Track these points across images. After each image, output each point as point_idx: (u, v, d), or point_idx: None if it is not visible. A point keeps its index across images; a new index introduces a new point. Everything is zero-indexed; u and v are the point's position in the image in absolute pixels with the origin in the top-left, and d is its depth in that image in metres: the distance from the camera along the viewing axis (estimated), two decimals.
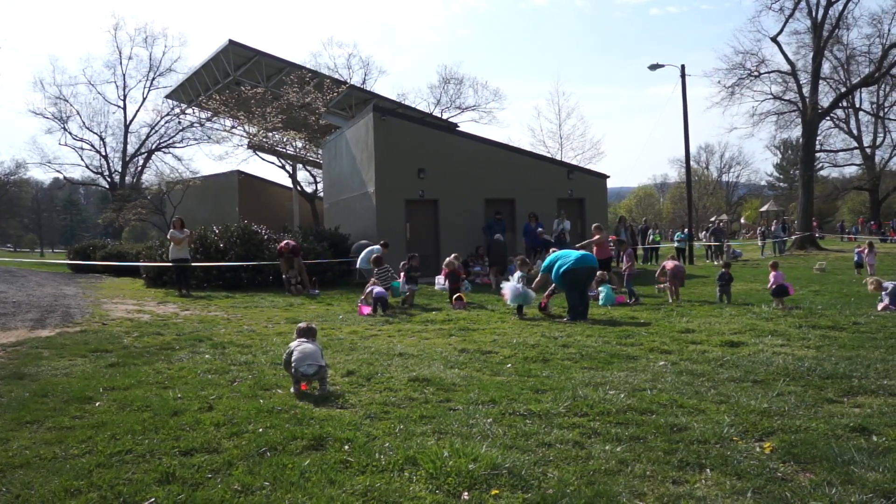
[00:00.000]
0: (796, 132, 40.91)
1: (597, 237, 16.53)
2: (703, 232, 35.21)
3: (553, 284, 11.93)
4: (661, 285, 14.78)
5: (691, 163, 32.72)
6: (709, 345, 8.26)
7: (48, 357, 7.88)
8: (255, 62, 33.04)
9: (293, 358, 5.91)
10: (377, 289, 12.66)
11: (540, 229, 19.76)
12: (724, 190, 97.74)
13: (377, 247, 16.27)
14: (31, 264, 42.83)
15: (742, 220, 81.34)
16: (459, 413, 5.23)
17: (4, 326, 10.82)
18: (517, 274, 12.01)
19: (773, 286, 12.94)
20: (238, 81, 33.15)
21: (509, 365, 7.19)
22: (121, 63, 59.47)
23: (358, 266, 15.98)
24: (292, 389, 5.98)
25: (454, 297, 13.39)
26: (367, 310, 12.60)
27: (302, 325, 6.40)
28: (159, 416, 5.15)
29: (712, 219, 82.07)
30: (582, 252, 12.30)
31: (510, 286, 11.80)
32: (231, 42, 31.92)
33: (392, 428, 4.83)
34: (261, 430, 4.78)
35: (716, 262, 29.10)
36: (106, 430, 4.79)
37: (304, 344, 6.02)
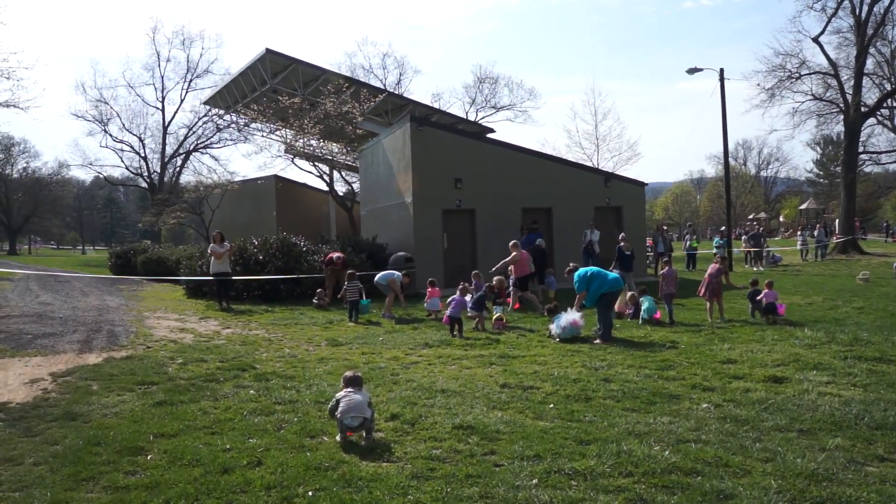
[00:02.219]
0: (838, 128, 40.23)
1: (514, 254, 16.43)
2: (743, 235, 34.71)
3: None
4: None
5: (729, 160, 32.24)
6: (752, 380, 8.18)
7: (97, 392, 8.04)
8: (292, 70, 33.32)
9: (339, 409, 5.97)
10: (451, 310, 12.60)
11: (539, 240, 19.57)
12: (763, 187, 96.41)
13: (398, 274, 16.27)
14: (74, 266, 43.71)
15: (781, 219, 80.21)
16: (504, 471, 5.25)
17: (53, 349, 11.08)
18: (565, 316, 11.87)
19: (766, 303, 13.45)
20: (275, 89, 33.43)
21: (551, 405, 7.19)
22: (159, 65, 60.35)
23: (377, 280, 16.03)
24: (338, 438, 6.05)
25: (494, 317, 13.38)
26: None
27: (348, 374, 6.46)
28: (210, 473, 5.24)
29: (750, 217, 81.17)
30: (615, 274, 12.30)
31: (556, 330, 11.77)
32: (268, 50, 32.22)
33: (439, 492, 4.86)
34: (310, 493, 4.84)
35: (755, 268, 28.77)
36: (160, 492, 4.88)
37: (350, 395, 6.08)
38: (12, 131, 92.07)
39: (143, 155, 59.99)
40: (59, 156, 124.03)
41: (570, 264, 13.01)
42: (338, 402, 6.06)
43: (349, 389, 6.17)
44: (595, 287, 11.76)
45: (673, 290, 13.90)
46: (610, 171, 46.24)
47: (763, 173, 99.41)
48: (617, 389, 7.82)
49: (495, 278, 14.93)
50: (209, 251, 17.80)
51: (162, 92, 60.69)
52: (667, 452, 5.54)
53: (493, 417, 6.73)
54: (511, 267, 16.54)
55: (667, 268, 14.58)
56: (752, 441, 5.82)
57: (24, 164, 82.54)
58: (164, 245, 46.03)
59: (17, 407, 7.42)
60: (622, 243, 18.35)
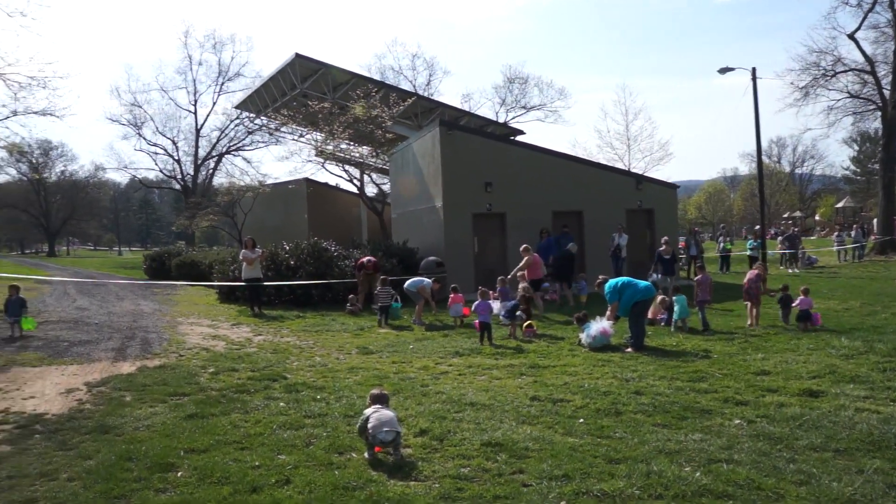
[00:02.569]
0: (875, 124, 39.42)
1: (525, 258, 16.54)
2: (779, 237, 34.21)
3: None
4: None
5: (762, 158, 31.83)
6: (786, 394, 8.04)
7: (130, 403, 8.14)
8: (322, 74, 33.52)
9: (370, 425, 5.97)
10: (481, 316, 12.58)
11: (571, 244, 19.53)
12: (798, 185, 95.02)
13: (428, 281, 16.28)
14: (111, 267, 44.36)
15: (817, 217, 79.07)
16: (533, 491, 5.21)
17: (89, 357, 11.26)
18: (595, 325, 11.79)
19: (800, 310, 13.31)
20: (305, 94, 33.65)
21: (581, 420, 7.13)
22: (191, 69, 60.93)
23: (406, 287, 16.04)
24: (366, 454, 6.05)
25: (525, 324, 13.32)
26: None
27: (375, 391, 6.46)
28: (238, 492, 5.26)
29: (785, 215, 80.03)
30: (647, 282, 12.18)
31: (586, 339, 11.70)
32: (297, 55, 32.45)
33: None
34: None
35: (790, 270, 28.37)
36: None
37: (380, 410, 6.09)
38: (50, 136, 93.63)
39: (176, 158, 60.69)
40: (96, 159, 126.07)
41: (600, 277, 12.89)
42: (367, 418, 6.06)
43: (377, 405, 6.18)
44: (627, 296, 11.67)
45: (707, 297, 13.72)
46: (641, 171, 46.07)
47: (798, 171, 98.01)
48: (648, 403, 7.74)
49: (521, 285, 14.89)
50: (241, 257, 17.96)
51: (194, 95, 61.30)
52: (698, 474, 5.45)
53: (521, 433, 6.69)
54: (525, 272, 16.59)
55: (701, 274, 14.38)
56: (785, 462, 5.72)
57: (62, 168, 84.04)
58: (197, 247, 46.52)
59: (53, 419, 7.53)
60: (663, 247, 18.24)
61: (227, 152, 58.14)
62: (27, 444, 6.65)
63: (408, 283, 16.18)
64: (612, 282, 12.11)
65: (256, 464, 5.90)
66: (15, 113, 21.62)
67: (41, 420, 7.48)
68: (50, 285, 25.74)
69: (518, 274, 16.55)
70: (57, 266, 45.94)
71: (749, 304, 14.21)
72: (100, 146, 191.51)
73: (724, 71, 28.89)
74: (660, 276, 17.84)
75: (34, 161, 76.28)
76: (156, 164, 62.42)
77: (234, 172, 53.11)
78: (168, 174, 62.77)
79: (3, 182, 79.27)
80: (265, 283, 18.08)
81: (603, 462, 5.83)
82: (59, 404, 8.21)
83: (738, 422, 6.95)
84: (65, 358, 11.19)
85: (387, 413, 6.08)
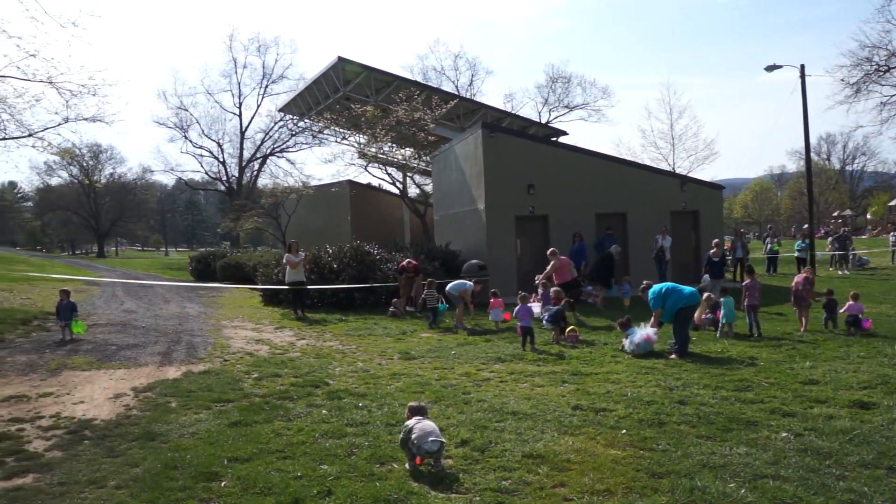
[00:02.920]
0: None
1: (553, 262, 16.50)
2: (829, 237, 33.48)
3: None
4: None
5: (811, 155, 31.16)
6: (835, 405, 7.85)
7: (176, 409, 8.26)
8: (364, 77, 33.70)
9: (414, 435, 5.97)
10: (523, 321, 12.53)
11: (614, 246, 19.41)
12: (848, 183, 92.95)
13: (470, 284, 16.25)
14: (157, 268, 45.15)
15: (868, 216, 77.31)
16: None
17: (136, 362, 11.46)
18: (639, 332, 11.68)
19: (848, 315, 13.06)
20: (347, 96, 33.86)
21: (624, 431, 7.05)
22: (236, 72, 61.90)
23: (448, 290, 16.01)
24: (407, 465, 6.06)
25: (568, 329, 13.22)
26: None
27: (413, 404, 6.47)
28: (281, 503, 5.31)
29: (835, 214, 78.35)
30: (692, 288, 11.99)
31: (629, 346, 11.59)
32: (340, 58, 32.68)
33: None
34: None
35: (840, 272, 27.78)
36: None
37: (422, 421, 6.09)
38: (99, 139, 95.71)
39: (221, 160, 61.65)
40: (143, 161, 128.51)
41: (644, 282, 12.74)
42: (411, 429, 6.06)
43: (418, 416, 6.18)
44: (671, 302, 11.52)
45: (756, 301, 13.46)
46: (686, 170, 45.51)
47: (848, 168, 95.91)
48: (692, 413, 7.62)
49: (552, 290, 14.78)
50: (284, 261, 18.14)
51: (239, 98, 62.27)
52: (743, 490, 5.34)
53: (563, 444, 6.63)
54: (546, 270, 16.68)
55: (749, 278, 14.07)
56: (835, 479, 5.57)
57: (111, 171, 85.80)
58: (242, 247, 47.07)
59: (102, 424, 7.68)
60: (713, 249, 18.06)
61: (272, 154, 58.87)
62: (77, 450, 6.79)
63: (450, 286, 16.16)
64: (655, 287, 11.96)
65: (299, 474, 5.94)
66: (66, 120, 22.10)
67: (90, 426, 7.63)
68: (99, 287, 26.27)
69: (539, 281, 16.57)
70: (106, 267, 46.94)
71: (798, 309, 14.01)
72: (147, 149, 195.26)
73: (771, 69, 28.37)
74: (709, 279, 17.68)
75: (85, 164, 77.97)
76: (201, 167, 63.57)
77: (278, 174, 53.79)
78: (213, 176, 63.80)
79: (55, 185, 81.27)
80: (308, 287, 18.23)
81: (645, 476, 5.76)
82: (108, 409, 8.36)
83: (784, 435, 6.80)
84: (113, 362, 11.41)
85: (429, 423, 6.09)
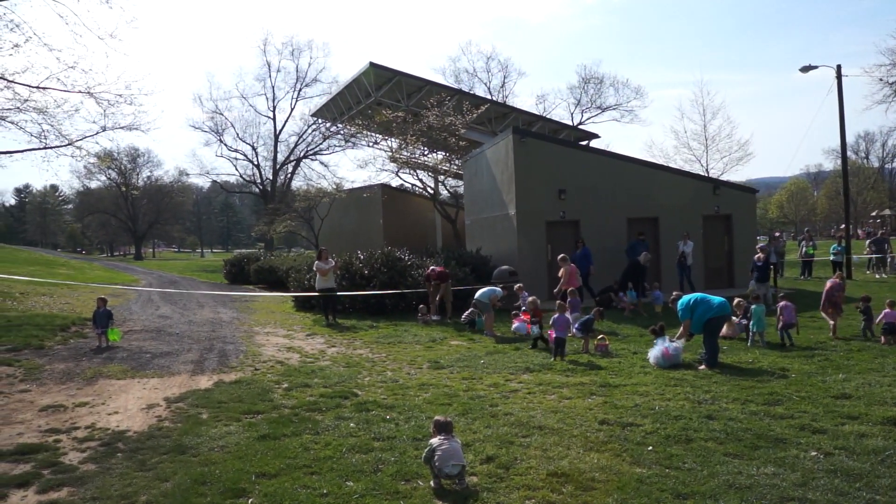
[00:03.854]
0: None
1: (562, 269, 16.76)
2: (867, 240, 32.91)
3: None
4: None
5: (848, 153, 30.62)
6: (868, 422, 7.73)
7: (206, 421, 8.39)
8: (396, 82, 33.86)
9: (436, 457, 6.02)
10: (558, 331, 12.44)
11: (644, 253, 19.36)
12: (887, 182, 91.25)
13: (500, 290, 16.29)
14: (193, 270, 45.64)
15: None
16: None
17: (169, 370, 11.64)
18: (664, 343, 11.61)
19: (885, 323, 12.92)
20: (379, 102, 34.04)
21: (650, 448, 7.02)
22: (269, 76, 62.58)
23: (477, 297, 16.00)
24: (432, 483, 6.10)
25: (597, 339, 13.15)
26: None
27: (440, 419, 6.49)
28: None
29: (873, 213, 76.97)
30: (721, 298, 11.87)
31: (654, 356, 11.52)
32: (372, 64, 32.85)
33: None
34: None
35: (877, 276, 27.31)
36: None
37: (445, 443, 6.12)
38: (137, 143, 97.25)
39: (255, 163, 62.36)
40: (179, 164, 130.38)
41: (675, 293, 12.65)
42: (433, 450, 6.10)
43: (442, 436, 6.21)
44: (699, 313, 11.43)
45: (793, 320, 13.24)
46: (720, 172, 44.97)
47: (888, 166, 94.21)
48: (720, 430, 7.56)
49: (529, 298, 14.65)
50: (314, 268, 18.30)
51: (273, 101, 62.94)
52: None
53: (588, 462, 6.62)
54: (562, 280, 16.86)
55: (785, 301, 13.79)
56: (864, 503, 5.51)
57: (148, 174, 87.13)
58: (276, 250, 47.45)
59: (134, 436, 7.82)
60: (758, 254, 18.12)
61: (305, 157, 59.38)
62: (110, 463, 6.92)
63: (480, 292, 16.16)
64: (684, 299, 11.89)
65: (325, 491, 6.01)
66: (104, 128, 22.53)
67: (123, 437, 7.78)
68: (136, 291, 26.69)
69: (558, 291, 16.66)
70: (143, 269, 47.60)
71: (828, 314, 13.93)
72: (183, 152, 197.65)
73: (806, 69, 27.98)
74: (754, 282, 17.75)
75: (123, 168, 79.24)
76: (236, 170, 64.45)
77: (311, 176, 54.26)
78: (248, 179, 64.51)
79: (94, 188, 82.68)
80: (339, 294, 18.38)
81: (670, 497, 5.74)
82: (140, 421, 8.52)
83: (814, 454, 6.72)
84: (147, 371, 11.60)
85: (453, 445, 6.11)
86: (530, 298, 14.41)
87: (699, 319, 11.43)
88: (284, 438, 7.61)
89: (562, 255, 17.35)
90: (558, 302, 13.71)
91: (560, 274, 17.03)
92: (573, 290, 15.90)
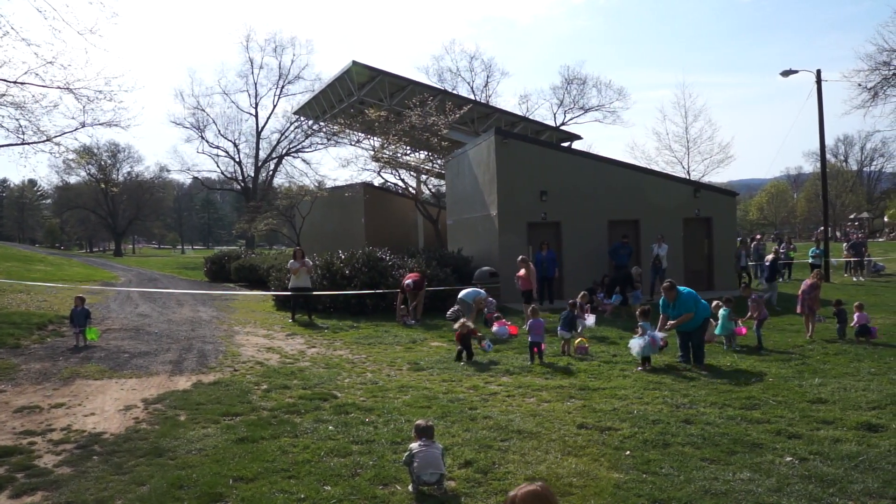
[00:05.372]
0: None
1: (521, 269, 17.07)
2: (844, 243, 33.23)
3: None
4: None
5: (827, 156, 30.91)
6: (843, 427, 7.81)
7: (184, 423, 8.33)
8: (379, 81, 33.80)
9: (414, 465, 6.01)
10: (533, 335, 12.28)
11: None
12: (865, 185, 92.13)
13: (484, 292, 16.32)
14: (173, 267, 45.25)
15: (885, 219, 76.63)
16: None
17: (147, 371, 11.56)
18: (651, 331, 11.68)
19: (857, 326, 13.43)
20: (362, 101, 33.95)
21: (628, 452, 7.06)
22: (252, 72, 62.28)
23: (461, 297, 15.98)
24: (410, 488, 6.10)
25: (577, 341, 13.17)
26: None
27: (421, 423, 6.48)
28: None
29: (851, 216, 77.67)
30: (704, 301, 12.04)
31: (636, 343, 11.59)
32: (355, 63, 32.78)
33: None
34: None
35: (855, 279, 27.59)
36: None
37: (425, 449, 6.10)
38: (117, 139, 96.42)
39: (237, 160, 62.05)
40: (160, 160, 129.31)
41: (668, 280, 12.64)
42: (413, 455, 6.10)
43: (423, 442, 6.20)
44: (701, 310, 11.66)
45: (766, 316, 13.48)
46: (701, 174, 45.23)
47: (866, 169, 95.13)
48: (697, 434, 7.61)
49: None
50: (288, 266, 18.34)
51: (255, 98, 62.63)
52: None
53: (566, 467, 6.64)
54: (520, 281, 17.02)
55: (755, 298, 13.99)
56: None
57: (129, 169, 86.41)
58: (257, 247, 47.22)
59: (111, 439, 7.76)
60: (770, 255, 18.84)
61: (287, 154, 59.14)
62: (86, 466, 6.86)
63: (464, 293, 16.15)
64: (688, 290, 11.98)
65: (302, 496, 5.98)
66: (83, 125, 22.28)
67: (100, 440, 7.71)
68: (115, 289, 26.48)
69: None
70: (122, 266, 47.17)
71: (805, 315, 14.21)
72: (164, 148, 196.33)
73: (786, 74, 28.23)
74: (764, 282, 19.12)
75: (103, 163, 78.52)
76: (217, 166, 64.00)
77: (293, 174, 54.09)
78: (229, 176, 64.19)
79: (73, 183, 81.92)
80: (317, 293, 18.34)
81: (646, 502, 5.77)
82: (117, 422, 8.45)
83: (789, 459, 6.77)
84: (125, 371, 11.51)
85: (432, 452, 6.10)
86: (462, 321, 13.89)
87: (701, 315, 11.60)
88: (262, 441, 7.58)
89: (521, 256, 17.42)
90: (531, 307, 13.68)
91: (520, 274, 17.04)
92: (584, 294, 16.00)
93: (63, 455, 7.22)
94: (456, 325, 12.89)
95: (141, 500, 5.98)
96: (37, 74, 20.37)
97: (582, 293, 16.04)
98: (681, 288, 12.06)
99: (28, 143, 21.40)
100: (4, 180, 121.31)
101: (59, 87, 20.69)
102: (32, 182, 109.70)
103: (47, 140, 21.62)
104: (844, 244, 33.15)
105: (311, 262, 18.58)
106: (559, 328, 13.56)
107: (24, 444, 7.54)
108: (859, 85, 34.55)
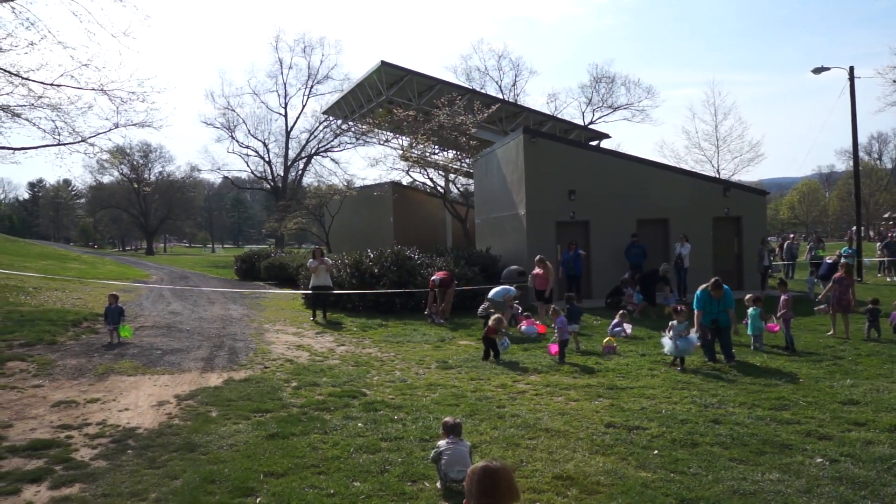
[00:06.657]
0: None
1: (536, 270, 16.87)
2: (878, 243, 32.73)
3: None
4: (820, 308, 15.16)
5: (860, 154, 30.48)
6: (875, 428, 7.74)
7: (216, 419, 8.47)
8: (407, 81, 33.93)
9: (442, 462, 6.07)
10: (560, 334, 12.34)
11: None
12: None
13: (513, 289, 16.32)
14: (204, 266, 45.72)
15: None
16: None
17: (179, 367, 11.73)
18: (676, 326, 11.65)
19: (893, 324, 13.55)
20: (390, 100, 34.10)
21: (655, 451, 7.06)
22: (282, 73, 62.76)
23: (490, 296, 16.01)
24: (438, 485, 6.16)
25: (605, 340, 13.17)
26: (554, 349, 12.44)
27: (449, 420, 6.53)
28: None
29: (885, 215, 76.42)
30: None
31: (667, 343, 11.59)
32: (383, 63, 32.95)
33: None
34: None
35: (889, 279, 27.20)
36: None
37: (453, 447, 6.16)
38: (149, 139, 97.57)
39: (267, 159, 62.51)
40: (191, 160, 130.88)
41: (715, 278, 12.57)
42: (441, 452, 6.15)
43: (450, 440, 6.25)
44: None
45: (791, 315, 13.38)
46: (731, 173, 44.84)
47: None
48: (725, 434, 7.59)
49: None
50: (308, 265, 18.59)
51: (284, 98, 63.12)
52: None
53: (594, 465, 6.67)
54: (536, 280, 16.89)
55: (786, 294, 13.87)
56: None
57: (160, 169, 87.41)
58: (287, 246, 47.55)
59: (145, 433, 7.91)
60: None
61: (316, 153, 59.46)
62: (121, 459, 7.01)
63: (493, 291, 16.18)
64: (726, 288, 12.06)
65: (332, 491, 6.07)
66: (117, 125, 22.65)
67: (134, 434, 7.87)
68: (147, 286, 26.84)
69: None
70: (154, 264, 47.74)
71: (834, 312, 14.09)
72: (195, 148, 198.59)
73: (818, 71, 27.88)
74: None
75: (135, 163, 79.53)
76: (247, 166, 64.56)
77: (322, 173, 54.41)
78: (259, 175, 64.70)
79: (106, 183, 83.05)
80: (346, 292, 18.48)
81: (674, 502, 5.78)
82: (151, 418, 8.61)
83: (819, 460, 6.74)
84: (157, 367, 11.70)
85: (460, 449, 6.16)
86: (496, 316, 13.52)
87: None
88: (293, 437, 7.69)
89: (539, 255, 17.35)
90: (552, 307, 13.67)
91: (536, 272, 16.92)
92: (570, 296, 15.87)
93: (99, 449, 7.38)
94: (491, 321, 12.90)
95: (174, 493, 6.10)
96: (72, 76, 20.75)
97: (567, 294, 16.03)
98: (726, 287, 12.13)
99: (64, 144, 21.79)
100: (41, 180, 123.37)
101: (93, 89, 21.05)
102: (67, 182, 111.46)
103: (82, 141, 22.01)
104: (878, 244, 32.65)
105: (329, 261, 18.72)
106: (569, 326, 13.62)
107: (62, 438, 7.72)
108: (894, 81, 34.08)
